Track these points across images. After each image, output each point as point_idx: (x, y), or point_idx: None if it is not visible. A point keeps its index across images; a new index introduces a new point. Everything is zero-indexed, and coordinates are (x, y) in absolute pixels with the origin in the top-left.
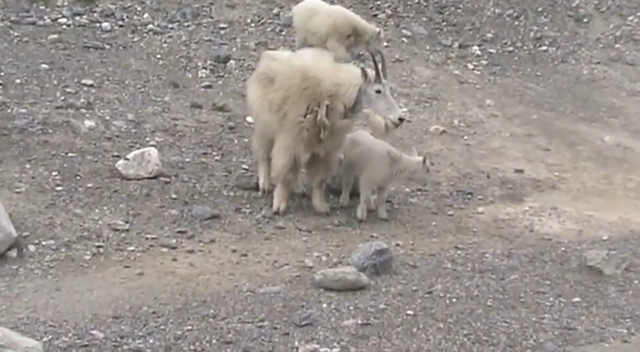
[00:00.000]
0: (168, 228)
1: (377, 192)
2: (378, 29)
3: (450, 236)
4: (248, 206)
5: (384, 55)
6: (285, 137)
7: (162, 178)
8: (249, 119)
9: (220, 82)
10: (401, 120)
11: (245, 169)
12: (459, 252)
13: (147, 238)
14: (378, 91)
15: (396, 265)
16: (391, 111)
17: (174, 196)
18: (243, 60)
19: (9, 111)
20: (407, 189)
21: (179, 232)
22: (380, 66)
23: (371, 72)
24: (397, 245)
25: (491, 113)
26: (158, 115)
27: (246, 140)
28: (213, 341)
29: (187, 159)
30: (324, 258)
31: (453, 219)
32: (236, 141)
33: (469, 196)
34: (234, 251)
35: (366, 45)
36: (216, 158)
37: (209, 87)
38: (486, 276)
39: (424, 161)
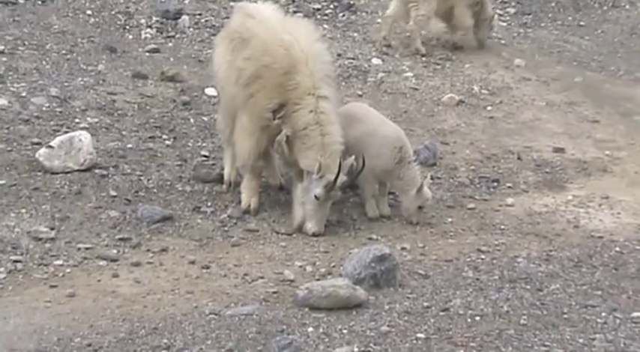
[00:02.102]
0: (106, 235)
1: (378, 184)
2: (494, 13)
3: (471, 236)
4: (209, 204)
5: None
6: (249, 120)
7: (97, 171)
8: (208, 91)
9: (170, 45)
10: (313, 234)
11: (205, 156)
12: (483, 256)
13: (79, 249)
14: (317, 198)
15: (402, 275)
16: (312, 221)
17: (113, 193)
18: (199, 15)
19: None
20: None
21: (121, 240)
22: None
23: (326, 169)
24: (403, 249)
25: (522, 76)
26: (90, 89)
27: (205, 118)
28: None
29: (130, 146)
30: (308, 269)
31: (475, 214)
32: (192, 121)
33: (495, 184)
34: (193, 262)
35: (476, 26)
36: (167, 143)
37: (155, 51)
38: (519, 287)
39: (419, 189)
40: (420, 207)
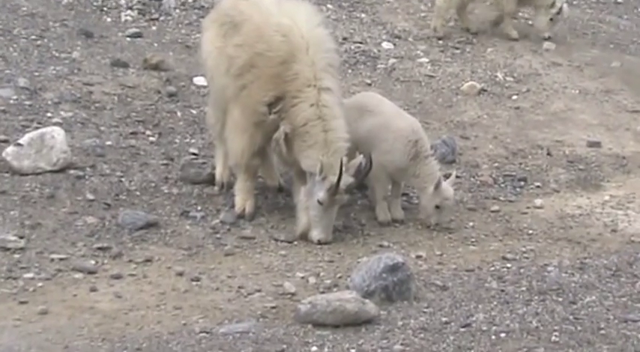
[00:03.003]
0: (83, 244)
1: (391, 184)
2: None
3: (495, 242)
4: (199, 208)
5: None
6: (241, 115)
7: (72, 171)
8: (197, 81)
9: (153, 28)
10: (319, 242)
11: (194, 154)
12: (509, 264)
13: (52, 259)
14: (320, 202)
15: (417, 287)
16: (318, 228)
17: (90, 197)
18: None
19: None
20: None
21: (99, 249)
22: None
23: (329, 169)
24: (418, 257)
25: (552, 61)
26: (63, 79)
27: (193, 112)
28: None
29: (109, 143)
30: (311, 280)
31: (499, 218)
32: (179, 114)
33: (522, 183)
34: (181, 274)
35: (534, 11)
36: (151, 139)
37: (137, 36)
38: (549, 299)
39: (437, 185)
40: (437, 207)
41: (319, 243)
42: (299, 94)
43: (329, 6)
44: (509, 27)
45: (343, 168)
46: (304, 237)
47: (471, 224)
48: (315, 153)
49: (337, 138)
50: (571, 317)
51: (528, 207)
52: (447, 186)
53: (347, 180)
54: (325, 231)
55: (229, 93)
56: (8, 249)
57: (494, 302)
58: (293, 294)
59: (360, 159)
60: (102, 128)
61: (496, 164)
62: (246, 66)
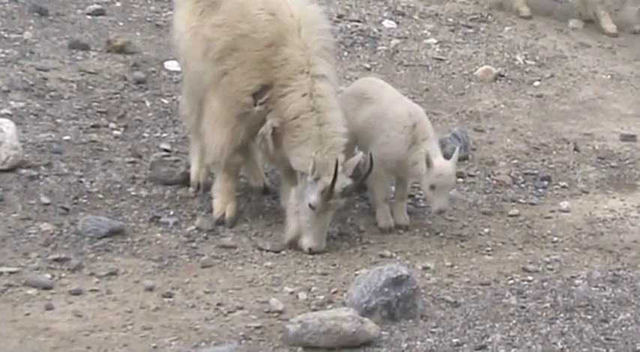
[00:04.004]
0: (36, 255)
1: (395, 184)
2: None
3: (514, 251)
4: (172, 213)
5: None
6: (221, 106)
7: (24, 171)
8: (169, 66)
9: (118, 5)
10: (310, 251)
11: (165, 151)
12: (530, 277)
13: (1, 273)
14: (312, 207)
15: (425, 303)
16: (309, 235)
17: (45, 200)
18: None
19: None
20: None
21: (56, 261)
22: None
23: (323, 169)
24: (425, 269)
25: (579, 41)
26: (13, 64)
27: (165, 101)
28: None
29: (67, 137)
30: (302, 296)
31: (519, 223)
32: (148, 104)
33: (545, 183)
34: (151, 289)
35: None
36: (116, 133)
37: (99, 13)
38: (577, 317)
39: (427, 161)
40: (432, 187)
41: (311, 252)
42: (289, 82)
43: None
44: (521, 2)
45: (339, 168)
46: (294, 245)
47: (487, 230)
48: (308, 150)
49: (333, 132)
50: (602, 337)
51: (552, 211)
52: (442, 161)
53: (343, 181)
54: (318, 239)
55: (207, 81)
56: None
57: (514, 321)
58: (280, 312)
59: (359, 157)
60: (58, 120)
61: (515, 161)
62: (227, 49)
